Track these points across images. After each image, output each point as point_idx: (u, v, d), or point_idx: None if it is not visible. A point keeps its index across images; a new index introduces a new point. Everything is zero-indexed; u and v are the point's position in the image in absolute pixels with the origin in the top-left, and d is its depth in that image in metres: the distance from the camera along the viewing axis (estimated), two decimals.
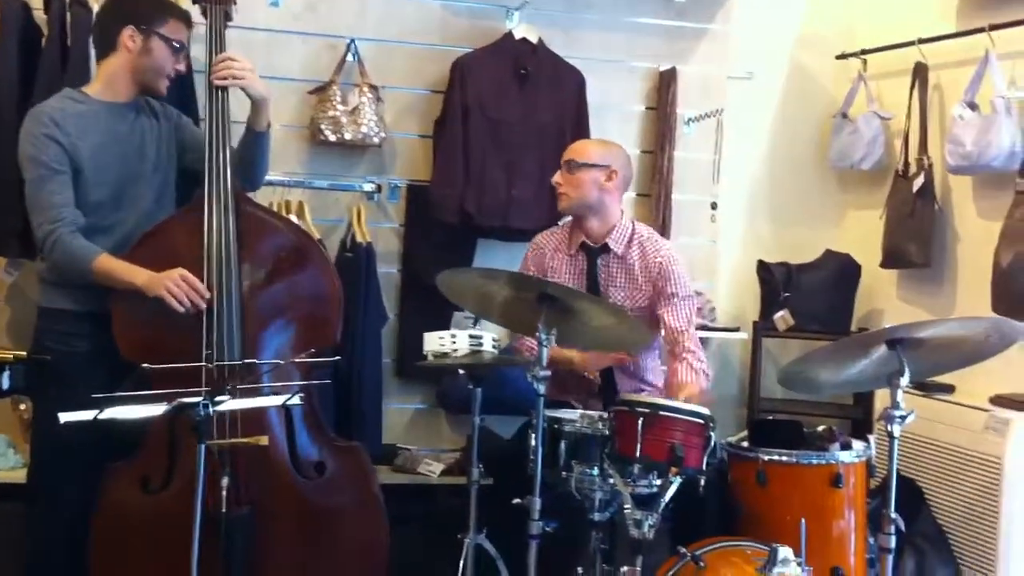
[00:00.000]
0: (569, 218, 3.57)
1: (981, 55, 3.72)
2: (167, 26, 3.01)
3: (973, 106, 3.74)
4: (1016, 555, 3.32)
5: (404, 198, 4.14)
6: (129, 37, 2.98)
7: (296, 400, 2.53)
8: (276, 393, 2.60)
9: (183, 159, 3.18)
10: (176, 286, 2.83)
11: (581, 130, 4.10)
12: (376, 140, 3.98)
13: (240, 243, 2.95)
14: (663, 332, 3.32)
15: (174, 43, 3.02)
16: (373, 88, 3.99)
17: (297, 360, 2.78)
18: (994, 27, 3.68)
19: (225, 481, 2.62)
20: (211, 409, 2.26)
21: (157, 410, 2.25)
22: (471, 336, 3.07)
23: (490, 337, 3.10)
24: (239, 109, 3.13)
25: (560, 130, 4.08)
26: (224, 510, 2.58)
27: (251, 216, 3.03)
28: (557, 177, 3.41)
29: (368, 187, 4.02)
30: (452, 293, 3.05)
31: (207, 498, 2.64)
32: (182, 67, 3.11)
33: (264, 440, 2.81)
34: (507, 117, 4.05)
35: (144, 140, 3.07)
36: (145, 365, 2.56)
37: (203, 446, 2.27)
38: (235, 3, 3.19)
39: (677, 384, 3.23)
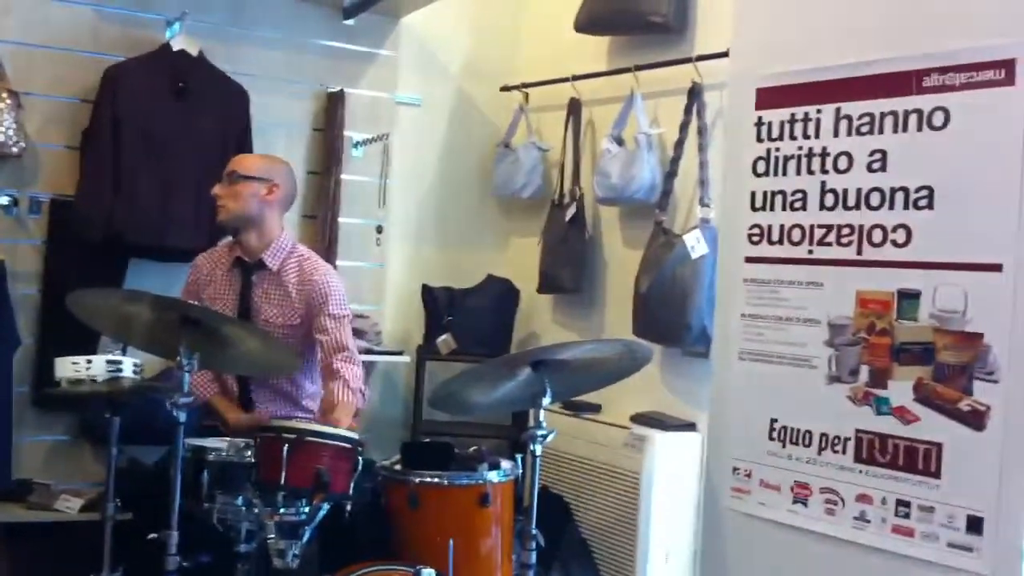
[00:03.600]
0: (229, 238, 3.47)
1: (628, 93, 3.97)
2: None
3: (620, 141, 3.98)
4: (652, 562, 3.53)
5: (47, 213, 3.85)
6: None
7: None
8: None
9: None
10: None
11: (244, 148, 3.98)
12: (15, 150, 3.68)
13: None
14: (320, 352, 3.28)
15: None
16: (13, 94, 3.69)
17: None
18: (639, 68, 3.95)
19: None
20: None
21: None
22: (109, 361, 2.89)
23: (131, 362, 2.93)
24: None
25: (223, 147, 3.94)
26: None
27: None
28: (217, 189, 3.31)
29: (3, 200, 3.71)
30: (87, 316, 2.86)
31: None
32: None
33: None
34: (163, 131, 3.86)
35: None
36: None
37: None
38: None
39: (328, 405, 3.19)
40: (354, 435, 2.80)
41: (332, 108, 4.36)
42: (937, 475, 2.61)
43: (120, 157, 3.78)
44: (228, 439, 2.90)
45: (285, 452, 2.65)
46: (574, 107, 4.30)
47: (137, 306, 2.80)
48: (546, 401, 2.85)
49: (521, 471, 3.11)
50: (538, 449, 2.85)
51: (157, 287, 3.66)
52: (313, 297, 3.28)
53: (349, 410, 3.17)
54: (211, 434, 3.07)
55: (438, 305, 4.34)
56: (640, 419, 3.72)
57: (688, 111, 3.75)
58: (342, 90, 4.36)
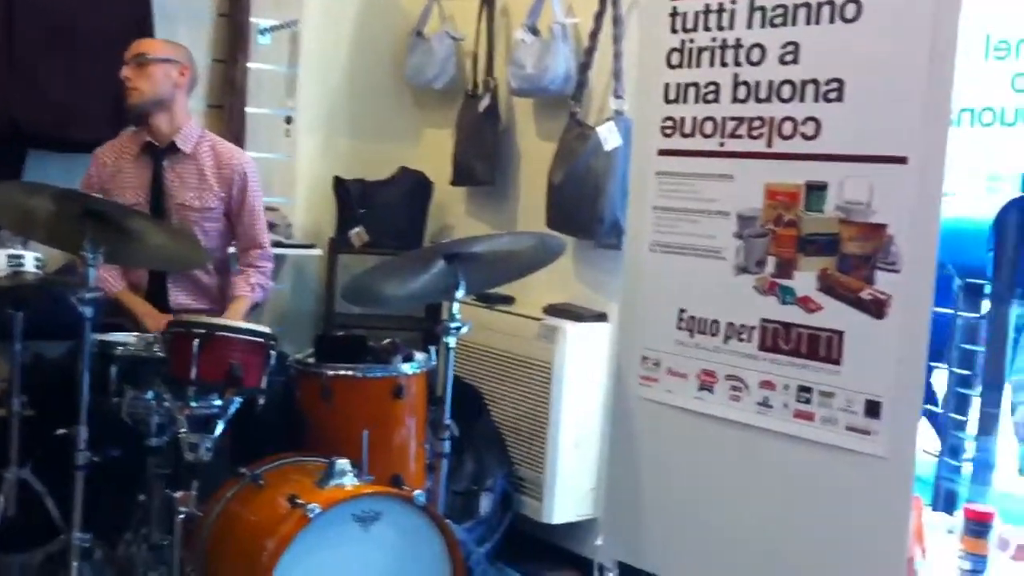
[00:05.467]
0: (131, 128, 3.40)
1: None
2: None
3: (534, 31, 3.91)
4: (562, 451, 3.61)
5: None
6: None
7: None
8: None
9: None
10: None
11: (146, 34, 3.83)
12: None
13: None
14: (235, 241, 3.28)
15: None
16: None
17: None
18: None
19: None
20: None
21: None
22: (10, 256, 2.82)
23: (32, 257, 2.87)
24: None
25: (123, 32, 3.76)
26: None
27: None
28: (126, 71, 3.27)
29: None
30: None
31: None
32: None
33: None
34: (60, 16, 3.71)
35: None
36: None
37: None
38: None
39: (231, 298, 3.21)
40: (266, 329, 2.78)
41: None
42: (838, 362, 2.68)
43: (14, 43, 3.64)
44: (136, 334, 2.87)
45: (196, 347, 2.62)
46: None
47: (38, 198, 2.72)
48: (460, 294, 2.87)
49: (435, 363, 3.14)
50: (452, 341, 2.88)
51: (59, 179, 3.56)
52: (234, 182, 3.29)
53: (241, 306, 3.23)
54: (116, 331, 3.03)
55: (350, 197, 4.27)
56: (552, 310, 3.75)
57: (603, 0, 3.70)
58: None
